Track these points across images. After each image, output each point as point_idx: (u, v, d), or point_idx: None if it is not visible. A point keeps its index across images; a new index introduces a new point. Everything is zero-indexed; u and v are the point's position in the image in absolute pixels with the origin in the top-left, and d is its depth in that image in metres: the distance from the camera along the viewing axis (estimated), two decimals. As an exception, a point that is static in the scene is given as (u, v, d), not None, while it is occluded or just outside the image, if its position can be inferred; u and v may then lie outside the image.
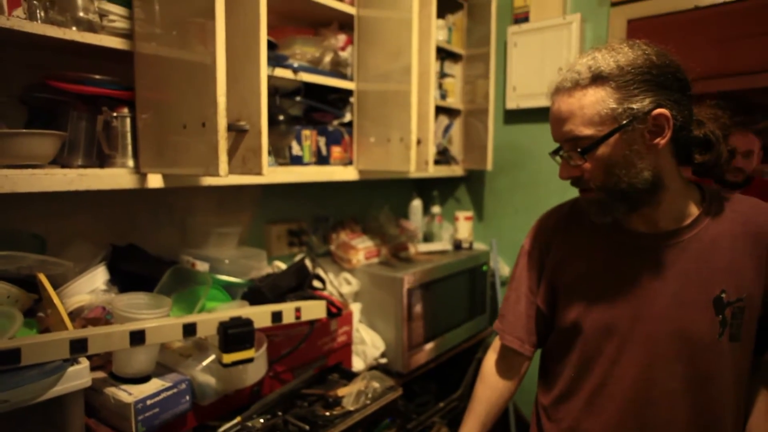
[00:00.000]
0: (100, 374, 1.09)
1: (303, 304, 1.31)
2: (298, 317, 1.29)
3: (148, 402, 1.03)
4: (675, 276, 0.84)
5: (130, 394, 1.03)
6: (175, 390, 1.08)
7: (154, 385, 1.07)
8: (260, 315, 1.20)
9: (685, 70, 0.82)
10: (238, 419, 1.19)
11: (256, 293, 1.35)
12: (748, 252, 0.83)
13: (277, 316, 1.24)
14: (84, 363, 0.96)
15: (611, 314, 0.88)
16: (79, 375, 0.95)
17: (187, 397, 1.10)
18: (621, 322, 0.87)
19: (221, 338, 1.11)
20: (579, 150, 0.81)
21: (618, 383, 0.88)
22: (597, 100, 0.78)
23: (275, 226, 1.83)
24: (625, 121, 0.77)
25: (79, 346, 0.96)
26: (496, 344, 1.11)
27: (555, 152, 0.88)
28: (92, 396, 1.06)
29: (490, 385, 1.07)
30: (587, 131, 0.79)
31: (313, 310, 1.33)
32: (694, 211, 0.86)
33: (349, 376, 1.49)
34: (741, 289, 0.82)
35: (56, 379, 0.92)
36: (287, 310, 1.26)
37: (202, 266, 1.37)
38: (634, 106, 0.77)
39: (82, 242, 1.30)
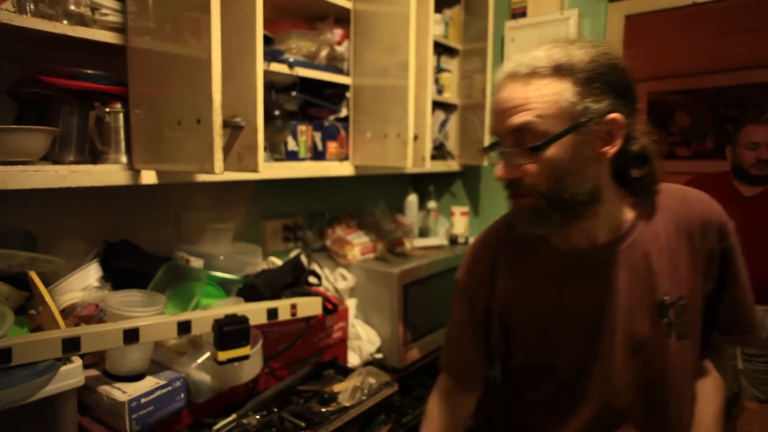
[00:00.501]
0: (94, 372, 1.08)
1: (299, 300, 1.30)
2: (293, 314, 1.28)
3: (143, 400, 1.02)
4: (622, 287, 0.82)
5: (124, 392, 1.02)
6: (169, 388, 1.07)
7: (149, 383, 1.06)
8: (256, 312, 1.20)
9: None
10: (233, 416, 1.19)
11: (251, 290, 1.34)
12: (683, 248, 0.82)
13: (272, 313, 1.23)
14: (77, 362, 0.95)
15: (569, 338, 0.86)
16: (72, 374, 0.94)
17: (182, 395, 1.10)
18: (579, 343, 0.85)
19: (216, 336, 1.10)
20: (529, 147, 0.72)
21: (582, 398, 0.86)
22: (558, 91, 0.71)
23: (270, 221, 1.82)
24: (582, 120, 0.71)
25: (71, 345, 0.95)
26: (442, 385, 1.03)
27: (491, 148, 0.80)
28: (86, 395, 1.05)
29: (441, 428, 1.00)
30: (542, 125, 0.72)
31: (309, 306, 1.32)
32: (628, 218, 0.83)
33: (345, 371, 1.48)
34: (681, 287, 0.82)
35: (48, 378, 0.91)
36: (283, 307, 1.26)
37: (196, 263, 1.36)
38: (593, 105, 0.71)
39: (74, 239, 1.28)
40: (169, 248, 1.42)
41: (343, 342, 1.58)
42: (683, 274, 0.82)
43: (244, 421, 1.19)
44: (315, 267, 1.73)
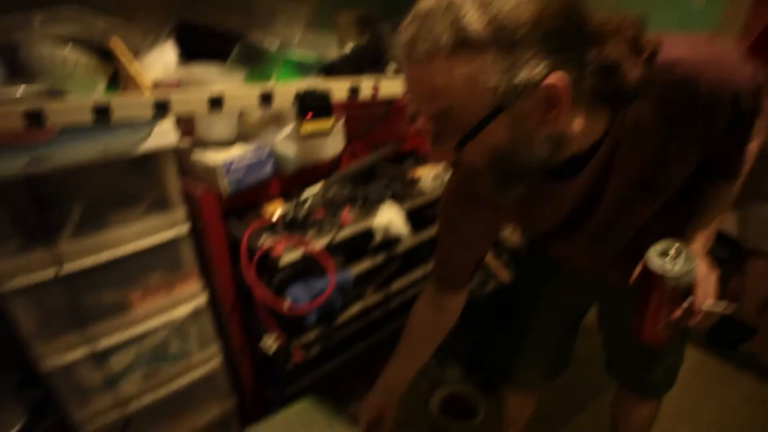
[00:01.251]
0: (187, 140, 1.12)
1: (381, 80, 1.23)
2: (374, 95, 1.23)
3: (234, 165, 1.06)
4: (616, 177, 0.71)
5: (216, 157, 1.05)
6: (257, 156, 1.10)
7: (238, 149, 1.09)
8: (337, 88, 1.15)
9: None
10: (320, 185, 1.21)
11: (329, 71, 1.28)
12: (674, 134, 0.66)
13: (354, 91, 1.18)
14: (169, 122, 0.98)
15: (554, 220, 0.82)
16: (166, 134, 0.97)
17: (270, 165, 1.12)
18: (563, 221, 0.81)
19: (298, 107, 1.08)
20: (454, 142, 0.60)
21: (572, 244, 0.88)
22: (469, 74, 0.54)
23: (344, 12, 1.68)
24: (509, 99, 0.55)
25: (161, 107, 0.97)
26: (431, 293, 0.97)
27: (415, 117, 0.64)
28: (183, 159, 1.10)
29: (424, 338, 0.99)
30: (461, 113, 0.57)
31: (391, 86, 1.26)
32: (605, 124, 0.66)
33: (425, 161, 1.46)
34: (669, 172, 0.71)
35: (145, 135, 0.94)
36: (365, 85, 1.20)
37: (272, 43, 1.30)
38: (520, 78, 0.54)
39: (146, 16, 1.25)
40: (242, 30, 1.36)
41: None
42: (672, 160, 0.69)
43: (330, 191, 1.22)
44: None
